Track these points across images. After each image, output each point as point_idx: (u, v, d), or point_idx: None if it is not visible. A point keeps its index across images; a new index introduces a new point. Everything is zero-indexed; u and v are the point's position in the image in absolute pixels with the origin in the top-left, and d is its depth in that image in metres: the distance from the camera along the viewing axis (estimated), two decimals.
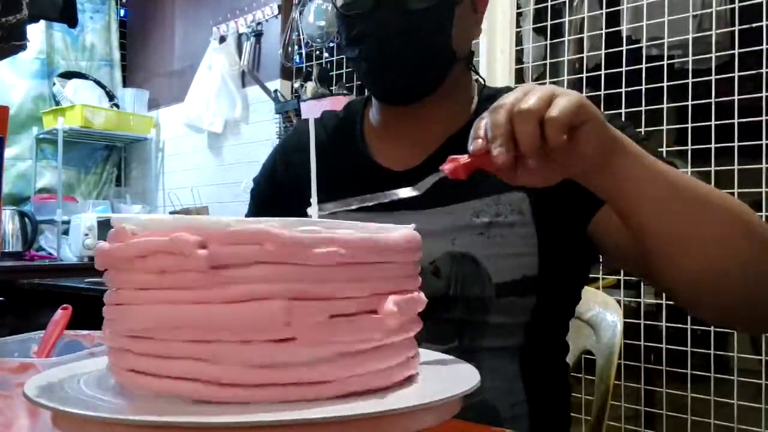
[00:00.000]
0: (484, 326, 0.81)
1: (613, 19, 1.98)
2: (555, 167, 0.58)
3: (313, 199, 0.53)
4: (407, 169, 0.87)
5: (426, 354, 0.54)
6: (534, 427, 0.82)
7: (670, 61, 1.87)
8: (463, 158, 0.59)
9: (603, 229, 0.78)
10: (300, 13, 2.85)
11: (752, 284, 0.63)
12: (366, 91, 0.96)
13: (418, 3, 0.80)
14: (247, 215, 1.03)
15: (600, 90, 1.96)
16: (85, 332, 0.71)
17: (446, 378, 0.48)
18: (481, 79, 0.95)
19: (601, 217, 0.78)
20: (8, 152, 3.25)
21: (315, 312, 0.41)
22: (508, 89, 0.90)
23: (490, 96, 0.90)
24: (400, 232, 0.47)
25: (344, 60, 2.76)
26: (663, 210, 0.63)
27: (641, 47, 1.91)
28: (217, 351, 0.40)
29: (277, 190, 0.99)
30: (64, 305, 0.71)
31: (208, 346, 0.40)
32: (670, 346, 1.79)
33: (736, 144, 1.70)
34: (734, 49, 1.74)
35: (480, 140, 0.58)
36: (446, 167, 0.59)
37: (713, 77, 1.75)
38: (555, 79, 2.08)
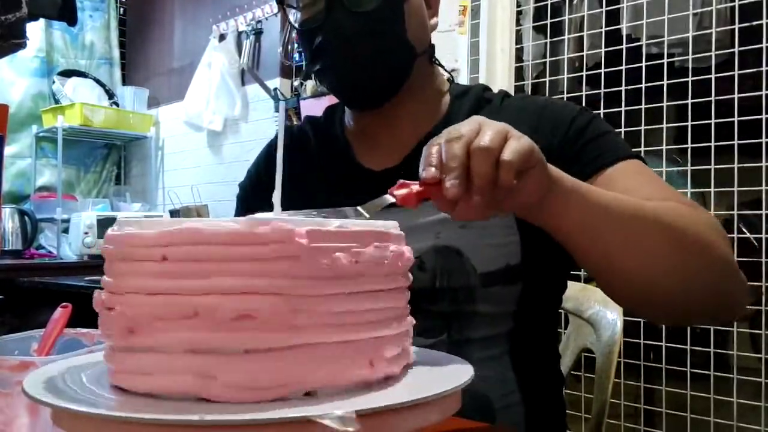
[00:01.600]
0: (472, 317, 0.82)
1: (613, 17, 1.98)
2: (493, 204, 0.59)
3: (276, 198, 0.53)
4: (386, 169, 0.89)
5: (417, 352, 0.54)
6: (528, 416, 0.83)
7: (670, 60, 1.87)
8: (414, 185, 0.58)
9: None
10: None
11: (682, 290, 0.69)
12: None
13: (364, 5, 0.83)
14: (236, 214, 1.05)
15: (600, 88, 1.96)
16: (85, 330, 0.71)
17: (441, 374, 0.48)
18: (446, 73, 0.97)
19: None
20: (8, 150, 3.25)
21: (324, 309, 0.41)
22: (480, 87, 0.95)
23: (461, 93, 0.93)
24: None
25: None
26: (595, 238, 0.66)
27: (641, 45, 1.91)
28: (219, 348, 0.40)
29: (260, 189, 1.00)
30: (64, 303, 0.70)
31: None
32: (669, 344, 1.79)
33: (736, 142, 1.70)
34: (734, 48, 1.74)
35: (433, 169, 0.57)
36: (398, 194, 0.58)
37: (713, 75, 1.75)
38: (555, 77, 2.08)
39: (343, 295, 0.43)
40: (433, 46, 0.93)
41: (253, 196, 1.03)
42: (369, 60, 0.85)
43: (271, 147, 1.06)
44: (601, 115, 1.93)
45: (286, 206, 0.55)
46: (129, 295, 0.43)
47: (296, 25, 0.89)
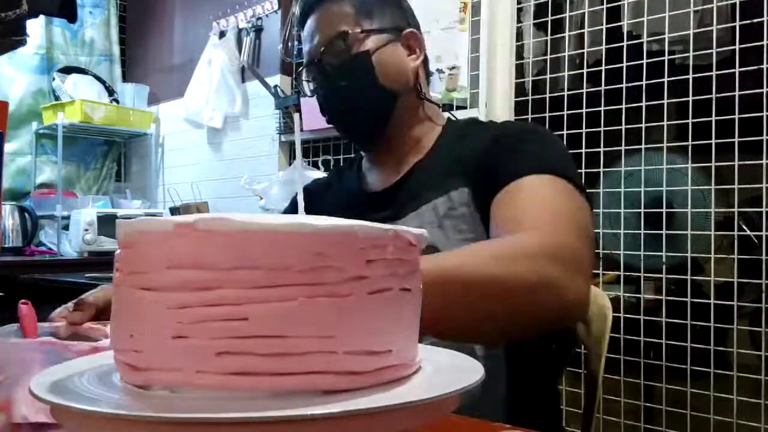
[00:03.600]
0: None
1: (614, 14, 1.98)
2: None
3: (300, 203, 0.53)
4: (383, 189, 1.04)
5: (427, 350, 0.54)
6: (516, 410, 0.86)
7: (670, 57, 1.87)
8: None
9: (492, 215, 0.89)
10: None
11: (502, 333, 0.77)
12: None
13: (334, 61, 1.01)
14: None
15: (600, 86, 1.96)
16: (58, 324, 0.74)
17: (448, 373, 0.48)
18: (438, 109, 1.11)
19: (494, 202, 0.89)
20: (8, 147, 3.25)
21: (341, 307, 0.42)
22: (471, 120, 1.11)
23: (454, 126, 1.08)
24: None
25: None
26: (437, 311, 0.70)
27: (642, 43, 1.91)
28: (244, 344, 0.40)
29: None
30: (24, 300, 0.72)
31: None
32: (669, 342, 1.80)
33: (736, 140, 1.70)
34: (735, 45, 1.74)
35: None
36: None
37: (714, 73, 1.74)
38: (556, 75, 2.08)
39: (352, 293, 0.43)
40: (419, 84, 1.06)
41: None
42: (346, 108, 1.03)
43: (306, 191, 1.17)
44: (602, 113, 1.94)
45: None
46: None
47: (303, 80, 1.12)
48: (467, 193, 0.93)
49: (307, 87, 1.11)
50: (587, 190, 0.90)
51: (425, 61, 1.08)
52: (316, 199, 1.13)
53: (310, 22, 1.05)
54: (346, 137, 1.13)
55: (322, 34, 1.02)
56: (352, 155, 1.25)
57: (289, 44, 2.90)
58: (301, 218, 0.43)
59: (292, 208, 1.25)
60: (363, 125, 1.04)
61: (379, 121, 1.03)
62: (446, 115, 1.13)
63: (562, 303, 0.73)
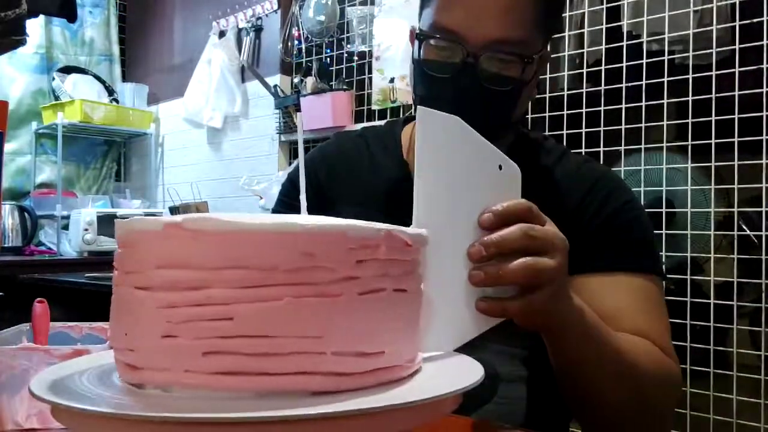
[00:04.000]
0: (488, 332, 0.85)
1: (614, 14, 1.98)
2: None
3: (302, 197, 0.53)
4: None
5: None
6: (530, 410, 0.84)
7: (670, 57, 1.86)
8: None
9: None
10: (300, 8, 2.85)
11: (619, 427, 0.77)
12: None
13: (494, 84, 0.81)
14: (276, 210, 1.06)
15: (600, 85, 1.96)
16: (73, 324, 0.73)
17: (447, 373, 0.48)
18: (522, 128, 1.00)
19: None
20: (8, 147, 3.25)
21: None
22: (541, 136, 0.99)
23: (520, 138, 0.96)
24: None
25: (344, 55, 2.76)
26: (574, 365, 0.72)
27: (642, 42, 1.91)
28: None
29: (313, 187, 1.00)
30: (39, 299, 0.72)
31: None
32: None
33: (736, 139, 1.70)
34: (735, 45, 1.74)
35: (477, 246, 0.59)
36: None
37: (714, 72, 1.74)
38: (555, 74, 2.08)
39: (341, 293, 0.42)
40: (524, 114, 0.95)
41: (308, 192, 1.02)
42: (468, 120, 0.84)
43: (326, 154, 1.04)
44: (602, 113, 1.94)
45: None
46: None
47: (420, 58, 0.85)
48: None
49: (423, 80, 0.86)
50: None
51: None
52: (341, 171, 0.99)
53: None
54: None
55: (491, 24, 0.79)
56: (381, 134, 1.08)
57: (289, 44, 2.90)
58: (289, 218, 0.43)
59: (285, 206, 1.10)
60: None
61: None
62: None
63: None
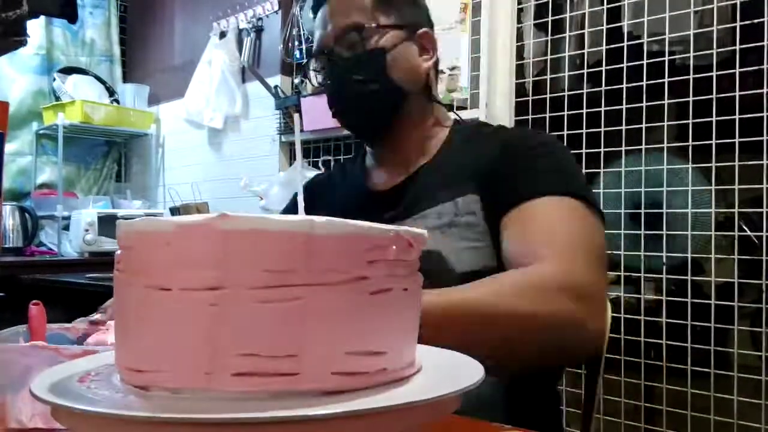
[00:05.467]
0: None
1: (614, 15, 1.98)
2: None
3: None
4: (389, 188, 1.03)
5: (427, 350, 0.54)
6: (515, 411, 0.86)
7: (671, 57, 1.86)
8: None
9: (502, 232, 0.89)
10: (300, 9, 2.85)
11: (520, 365, 0.78)
12: None
13: (347, 53, 0.99)
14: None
15: (601, 86, 1.96)
16: (69, 325, 0.73)
17: (448, 374, 0.48)
18: (447, 111, 1.11)
19: (506, 220, 0.88)
20: (8, 148, 3.25)
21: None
22: (479, 123, 1.14)
23: (462, 129, 1.07)
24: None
25: None
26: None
27: (642, 43, 1.91)
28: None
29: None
30: (35, 301, 0.72)
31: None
32: (670, 342, 1.79)
33: (737, 140, 1.70)
34: (735, 45, 1.74)
35: None
36: None
37: (714, 73, 1.74)
38: (556, 75, 2.08)
39: (354, 293, 0.43)
40: (430, 85, 1.06)
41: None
42: (355, 103, 1.01)
43: (305, 189, 1.15)
44: (602, 113, 1.94)
45: None
46: None
47: (311, 67, 1.09)
48: (476, 201, 0.92)
49: (315, 77, 1.08)
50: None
51: (437, 63, 1.06)
52: (318, 196, 1.11)
53: (324, 9, 1.02)
54: (351, 132, 1.12)
55: (336, 24, 0.99)
56: (353, 155, 1.23)
57: (290, 45, 2.90)
58: (306, 218, 0.43)
59: (292, 207, 1.23)
60: (370, 121, 1.02)
61: (387, 118, 1.01)
62: (452, 116, 1.11)
63: (582, 338, 0.75)
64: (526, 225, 0.84)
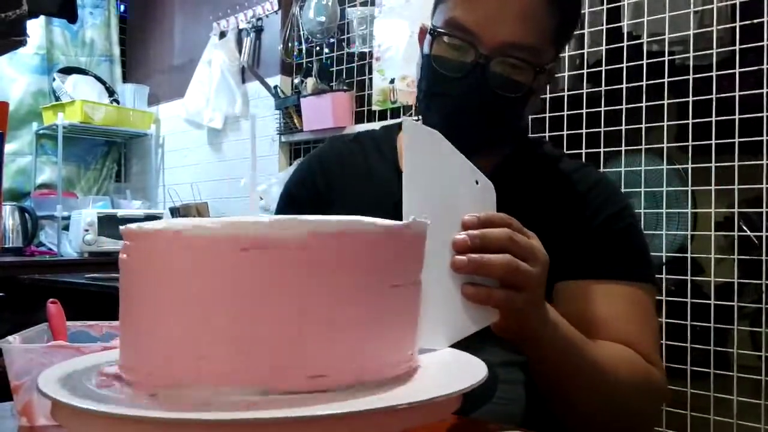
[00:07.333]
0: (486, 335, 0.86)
1: (614, 15, 1.98)
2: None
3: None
4: None
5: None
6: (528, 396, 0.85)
7: (670, 57, 1.86)
8: None
9: (556, 298, 0.84)
10: (300, 9, 2.85)
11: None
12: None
13: (502, 89, 0.81)
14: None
15: (601, 86, 1.96)
16: (92, 323, 0.73)
17: (450, 373, 0.48)
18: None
19: (562, 289, 0.84)
20: (8, 148, 3.25)
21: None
22: (540, 141, 1.01)
23: (526, 144, 0.97)
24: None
25: (344, 56, 2.76)
26: (553, 377, 0.74)
27: (642, 43, 1.91)
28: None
29: (313, 196, 1.01)
30: (52, 299, 0.72)
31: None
32: (669, 342, 1.79)
33: (736, 140, 1.70)
34: (735, 45, 1.74)
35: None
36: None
37: (714, 73, 1.74)
38: (556, 75, 2.08)
39: (354, 291, 0.43)
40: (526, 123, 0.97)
41: (307, 196, 1.02)
42: (475, 132, 0.84)
43: (323, 158, 1.04)
44: (602, 113, 1.94)
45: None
46: None
47: (430, 54, 0.85)
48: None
49: (432, 77, 0.85)
50: None
51: None
52: (337, 176, 0.99)
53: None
54: (442, 128, 0.81)
55: (508, 28, 0.79)
56: (381, 131, 1.08)
57: (289, 45, 2.90)
58: (323, 218, 0.43)
59: (284, 206, 1.09)
60: (473, 146, 0.81)
61: (488, 147, 0.88)
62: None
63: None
64: (621, 307, 0.82)
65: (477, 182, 0.64)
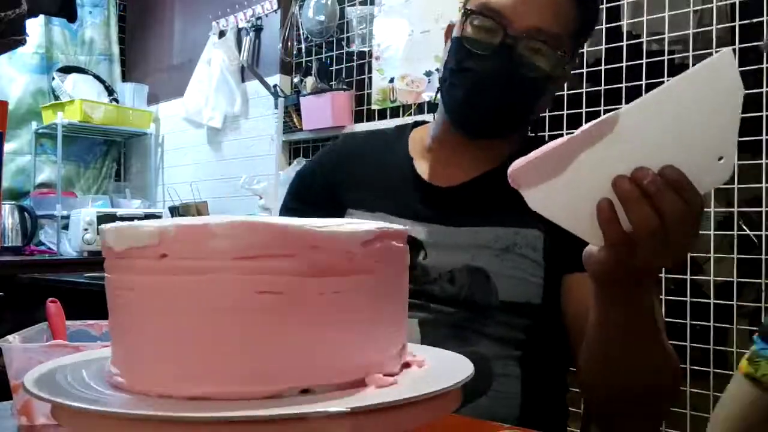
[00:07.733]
0: (484, 335, 0.86)
1: (614, 14, 1.98)
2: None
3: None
4: (449, 186, 0.94)
5: (424, 349, 0.54)
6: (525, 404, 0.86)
7: (670, 57, 1.86)
8: None
9: (566, 290, 0.87)
10: (300, 8, 2.85)
11: (627, 411, 0.78)
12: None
13: (526, 70, 0.87)
14: (286, 205, 1.08)
15: (600, 85, 1.96)
16: (92, 321, 0.73)
17: (439, 372, 0.48)
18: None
19: (572, 280, 0.86)
20: (7, 147, 3.25)
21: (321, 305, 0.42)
22: (540, 139, 1.05)
23: (527, 140, 1.00)
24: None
25: (344, 55, 2.76)
26: (623, 341, 0.71)
27: (641, 42, 1.91)
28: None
29: (328, 186, 1.03)
30: (51, 299, 0.72)
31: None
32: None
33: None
34: (735, 45, 1.74)
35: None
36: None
37: None
38: (572, 76, 2.08)
39: (339, 291, 0.43)
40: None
41: (323, 183, 1.04)
42: (498, 109, 0.89)
43: (342, 151, 1.08)
44: (602, 112, 1.93)
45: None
46: None
47: (463, 35, 0.90)
48: (539, 237, 0.87)
49: (459, 54, 0.90)
50: None
51: None
52: (353, 165, 1.02)
53: None
54: (459, 123, 0.94)
55: (537, 14, 0.86)
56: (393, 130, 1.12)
57: (289, 44, 2.90)
58: (293, 221, 0.43)
59: (288, 206, 1.10)
60: (491, 127, 0.91)
61: (501, 134, 0.94)
62: None
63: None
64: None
65: (721, 159, 0.57)
